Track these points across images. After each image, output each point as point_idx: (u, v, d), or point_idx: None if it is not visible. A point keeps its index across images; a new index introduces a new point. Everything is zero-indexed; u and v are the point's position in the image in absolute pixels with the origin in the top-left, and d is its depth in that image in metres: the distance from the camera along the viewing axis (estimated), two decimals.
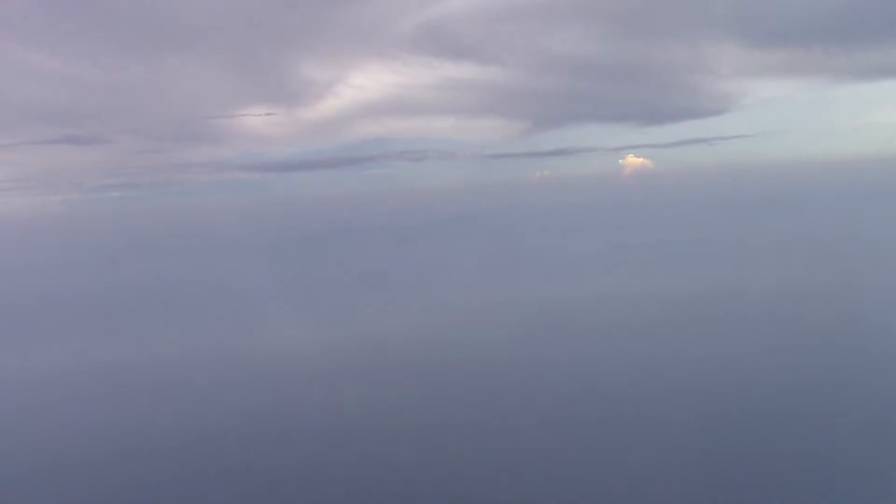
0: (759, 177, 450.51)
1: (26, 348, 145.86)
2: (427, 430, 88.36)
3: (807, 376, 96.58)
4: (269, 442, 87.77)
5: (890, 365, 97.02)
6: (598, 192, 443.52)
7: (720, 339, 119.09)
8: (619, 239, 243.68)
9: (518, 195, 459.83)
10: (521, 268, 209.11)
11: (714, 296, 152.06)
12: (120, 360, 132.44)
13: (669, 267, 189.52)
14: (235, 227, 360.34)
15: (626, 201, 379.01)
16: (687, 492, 68.26)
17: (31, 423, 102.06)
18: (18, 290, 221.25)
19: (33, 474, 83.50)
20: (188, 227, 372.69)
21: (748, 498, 66.58)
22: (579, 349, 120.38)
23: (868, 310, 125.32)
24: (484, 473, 75.85)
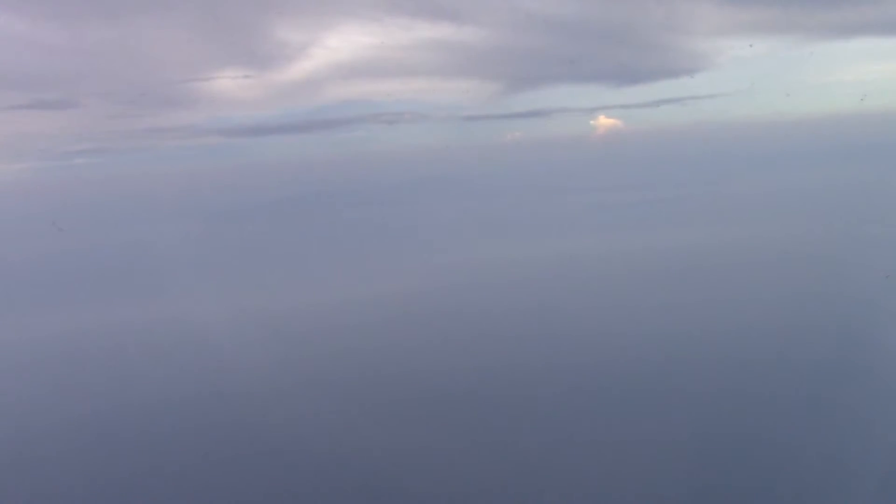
0: (731, 136, 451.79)
1: None
2: (408, 391, 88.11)
3: (788, 327, 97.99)
4: (238, 407, 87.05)
5: (870, 318, 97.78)
6: (572, 153, 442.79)
7: (704, 295, 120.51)
8: (596, 199, 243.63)
9: (492, 157, 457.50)
10: (501, 229, 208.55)
11: (694, 253, 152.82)
12: (81, 328, 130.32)
13: (649, 225, 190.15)
14: (206, 193, 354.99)
15: (599, 162, 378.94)
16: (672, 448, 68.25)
17: None
18: None
19: None
20: (156, 194, 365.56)
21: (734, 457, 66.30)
22: (565, 308, 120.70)
23: (842, 263, 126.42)
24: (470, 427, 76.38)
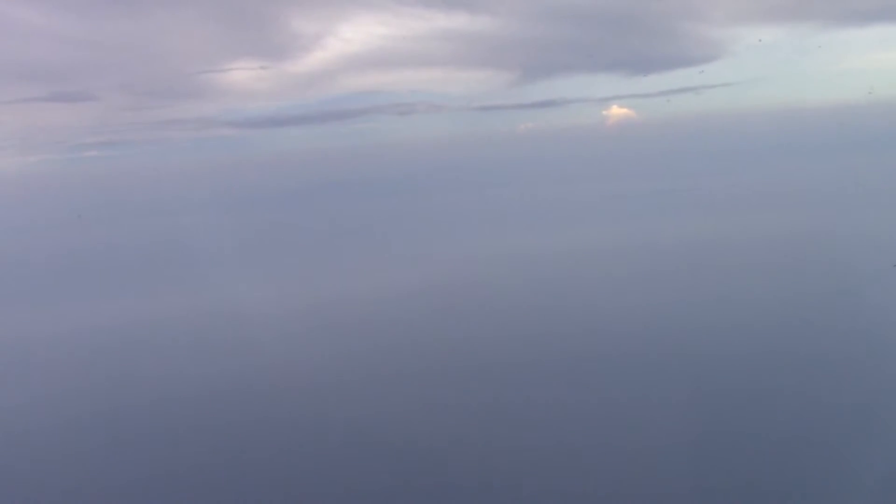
0: (744, 125, 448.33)
1: None
2: (417, 382, 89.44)
3: (797, 322, 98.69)
4: (251, 401, 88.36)
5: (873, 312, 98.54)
6: (585, 143, 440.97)
7: (715, 287, 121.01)
8: (611, 189, 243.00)
9: (505, 147, 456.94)
10: (515, 219, 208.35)
11: (707, 244, 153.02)
12: (91, 322, 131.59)
13: (662, 216, 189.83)
14: (220, 185, 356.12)
15: (612, 152, 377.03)
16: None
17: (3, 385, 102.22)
18: None
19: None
20: (171, 186, 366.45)
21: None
22: (582, 298, 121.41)
23: (852, 256, 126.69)
24: (477, 420, 77.40)
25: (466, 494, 64.85)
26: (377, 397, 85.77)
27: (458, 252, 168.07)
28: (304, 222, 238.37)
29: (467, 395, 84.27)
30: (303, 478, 69.68)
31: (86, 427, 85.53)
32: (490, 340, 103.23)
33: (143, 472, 73.10)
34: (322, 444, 75.97)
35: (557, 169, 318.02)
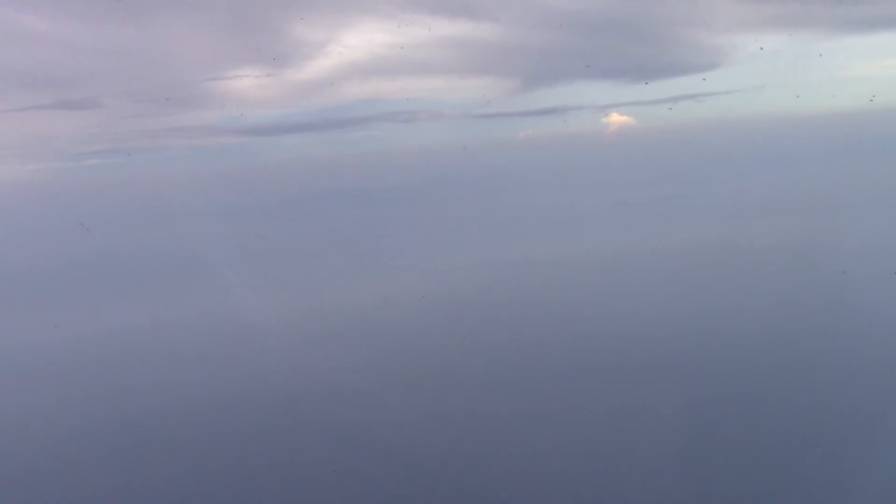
0: (746, 132, 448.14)
1: None
2: (421, 389, 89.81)
3: (798, 328, 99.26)
4: (255, 408, 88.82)
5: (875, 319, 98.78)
6: (586, 151, 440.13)
7: (725, 293, 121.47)
8: (612, 196, 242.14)
9: (506, 155, 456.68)
10: (519, 226, 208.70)
11: (710, 250, 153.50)
12: (93, 330, 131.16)
13: (668, 222, 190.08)
14: (222, 192, 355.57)
15: (613, 159, 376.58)
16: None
17: (4, 394, 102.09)
18: None
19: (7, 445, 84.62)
20: (171, 193, 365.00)
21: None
22: (586, 305, 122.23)
23: (854, 262, 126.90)
24: (482, 427, 77.84)
25: (472, 502, 64.71)
26: (380, 405, 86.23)
27: (461, 259, 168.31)
28: (308, 229, 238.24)
29: (472, 403, 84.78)
30: (309, 486, 69.88)
31: (86, 435, 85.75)
32: (494, 347, 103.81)
33: (146, 481, 73.14)
34: (327, 451, 76.10)
35: (559, 176, 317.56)
